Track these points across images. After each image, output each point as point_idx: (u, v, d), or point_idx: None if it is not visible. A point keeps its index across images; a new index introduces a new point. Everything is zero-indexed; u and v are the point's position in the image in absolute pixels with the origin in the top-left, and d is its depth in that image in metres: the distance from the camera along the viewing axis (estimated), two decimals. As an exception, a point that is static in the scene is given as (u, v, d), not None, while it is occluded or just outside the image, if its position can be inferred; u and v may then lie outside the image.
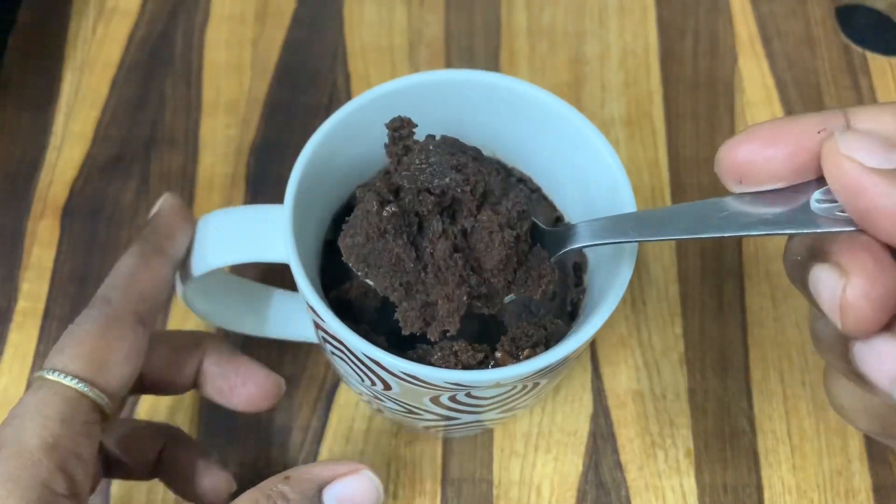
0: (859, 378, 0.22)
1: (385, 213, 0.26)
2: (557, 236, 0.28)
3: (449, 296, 0.27)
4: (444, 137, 0.29)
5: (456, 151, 0.28)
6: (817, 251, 0.22)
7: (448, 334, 0.27)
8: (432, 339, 0.28)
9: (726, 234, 0.24)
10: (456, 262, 0.26)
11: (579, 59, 0.47)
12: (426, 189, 0.27)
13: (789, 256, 0.25)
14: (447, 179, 0.27)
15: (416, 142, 0.29)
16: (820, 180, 0.23)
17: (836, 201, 0.22)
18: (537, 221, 0.29)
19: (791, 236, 0.24)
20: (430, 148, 0.28)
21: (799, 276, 0.24)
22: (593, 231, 0.27)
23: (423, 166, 0.27)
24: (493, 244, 0.27)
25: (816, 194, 0.23)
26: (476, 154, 0.29)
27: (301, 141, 0.31)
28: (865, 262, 0.20)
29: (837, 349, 0.23)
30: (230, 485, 0.33)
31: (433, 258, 0.27)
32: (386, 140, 0.29)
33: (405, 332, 0.28)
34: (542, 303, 0.33)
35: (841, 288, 0.21)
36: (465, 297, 0.27)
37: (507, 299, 0.28)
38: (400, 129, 0.29)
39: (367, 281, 0.28)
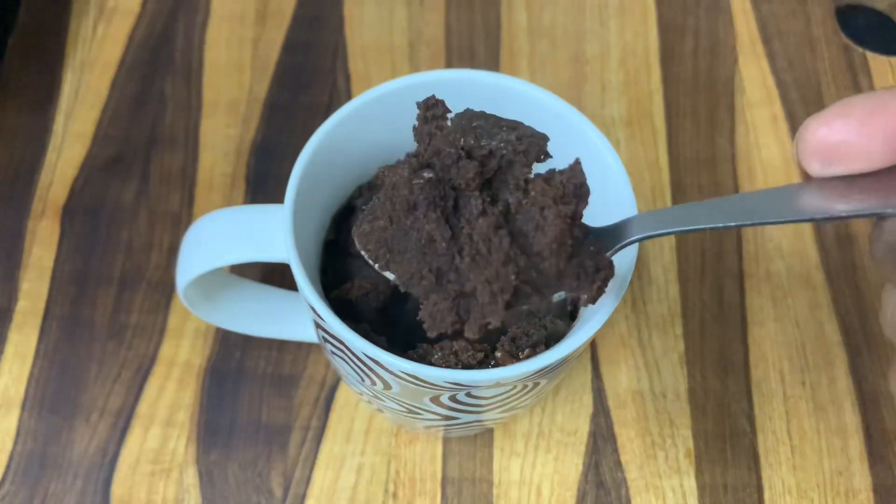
0: None
1: (418, 182, 0.22)
2: (614, 233, 0.25)
3: (491, 278, 0.22)
4: (481, 112, 0.25)
5: (501, 120, 0.24)
6: None
7: (490, 327, 0.23)
8: (471, 337, 0.23)
9: (810, 219, 0.21)
10: (501, 240, 0.22)
11: (579, 59, 0.47)
12: (467, 153, 0.22)
13: (883, 240, 0.21)
14: (495, 142, 0.23)
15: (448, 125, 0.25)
16: None
17: None
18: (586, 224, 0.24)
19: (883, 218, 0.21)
20: (471, 114, 0.24)
21: (892, 261, 0.21)
22: (655, 222, 0.24)
23: (465, 128, 0.23)
24: (545, 221, 0.22)
25: None
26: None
27: (301, 141, 0.31)
28: None
29: None
30: None
31: (471, 240, 0.22)
32: (415, 123, 0.25)
33: (432, 334, 0.23)
34: (594, 303, 0.27)
35: None
36: (512, 277, 0.22)
37: (556, 298, 0.24)
38: (434, 108, 0.24)
39: (387, 273, 0.24)
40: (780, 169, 0.44)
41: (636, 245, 0.29)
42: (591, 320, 0.28)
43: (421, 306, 0.23)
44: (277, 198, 0.30)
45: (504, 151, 0.23)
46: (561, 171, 0.23)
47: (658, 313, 0.41)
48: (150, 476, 0.37)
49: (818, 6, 0.49)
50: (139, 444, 0.37)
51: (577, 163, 0.24)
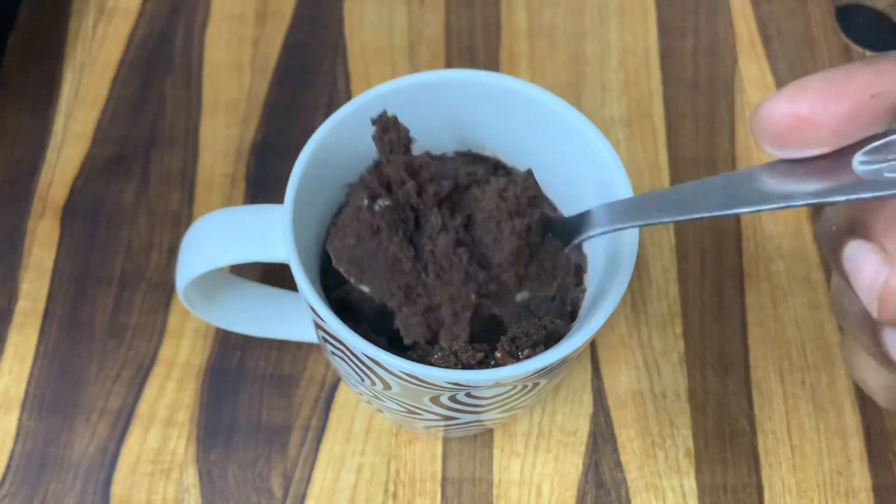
0: (886, 360, 0.20)
1: (377, 208, 0.24)
2: (571, 225, 0.26)
3: (454, 295, 0.24)
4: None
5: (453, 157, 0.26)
6: (858, 223, 0.20)
7: (459, 342, 0.25)
8: (445, 346, 0.25)
9: (765, 208, 0.20)
10: (460, 258, 0.24)
11: (579, 59, 0.47)
12: (423, 177, 0.24)
13: (823, 224, 0.21)
14: (447, 164, 0.24)
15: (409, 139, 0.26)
16: (862, 141, 0.20)
17: (883, 162, 0.19)
18: (548, 211, 0.26)
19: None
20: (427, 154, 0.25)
21: (831, 247, 0.21)
22: (612, 215, 0.24)
23: (420, 161, 0.24)
24: (501, 235, 0.24)
25: (859, 156, 0.20)
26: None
27: (301, 141, 0.31)
28: None
29: (865, 327, 0.20)
30: None
31: (434, 256, 0.24)
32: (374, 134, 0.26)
33: (407, 341, 0.25)
34: (561, 291, 0.29)
35: (884, 275, 0.18)
36: (472, 296, 0.24)
37: (519, 297, 0.26)
38: (387, 131, 0.26)
39: (362, 287, 0.25)
40: (780, 169, 0.44)
41: (635, 244, 0.29)
42: (591, 320, 0.28)
43: (396, 318, 0.25)
44: (277, 198, 0.30)
45: (455, 175, 0.24)
46: (515, 183, 0.24)
47: (658, 313, 0.41)
48: (150, 476, 0.37)
49: (818, 6, 0.49)
50: (139, 444, 0.37)
51: (530, 173, 0.25)
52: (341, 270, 0.25)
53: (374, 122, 0.26)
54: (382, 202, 0.24)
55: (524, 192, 0.24)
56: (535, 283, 0.25)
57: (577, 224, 0.25)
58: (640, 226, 0.24)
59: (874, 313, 0.19)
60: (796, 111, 0.19)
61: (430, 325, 0.25)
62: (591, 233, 0.25)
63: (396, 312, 0.25)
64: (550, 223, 0.26)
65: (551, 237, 0.25)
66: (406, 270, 0.24)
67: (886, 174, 0.19)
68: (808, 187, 0.20)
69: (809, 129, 0.20)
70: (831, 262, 0.21)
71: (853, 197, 0.19)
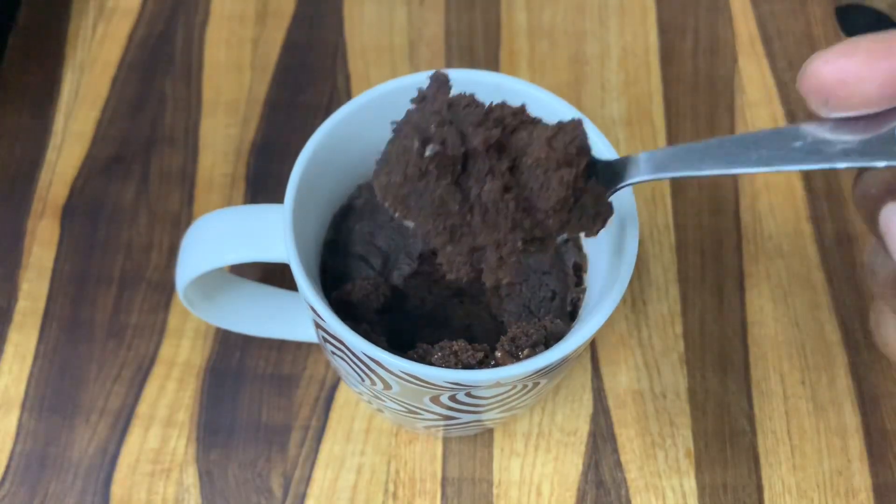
0: None
1: (428, 153, 0.23)
2: (615, 169, 0.25)
3: (500, 242, 0.24)
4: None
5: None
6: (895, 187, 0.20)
7: (505, 282, 0.25)
8: (488, 285, 0.25)
9: (805, 167, 0.20)
10: (507, 205, 0.24)
11: (579, 59, 0.47)
12: (474, 121, 0.24)
13: (862, 187, 0.22)
14: (494, 108, 0.24)
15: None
16: None
17: None
18: (593, 154, 0.25)
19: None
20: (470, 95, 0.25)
21: (869, 208, 0.21)
22: (657, 163, 0.24)
23: (465, 101, 0.24)
24: (549, 184, 0.24)
25: None
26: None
27: (301, 141, 0.31)
28: None
29: (895, 289, 0.21)
30: None
31: (480, 200, 0.24)
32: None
33: (450, 278, 0.25)
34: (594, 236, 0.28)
35: None
36: (518, 243, 0.24)
37: (559, 239, 0.25)
38: (444, 84, 0.25)
39: (406, 223, 0.25)
40: (780, 169, 0.44)
41: (635, 243, 0.29)
42: (591, 320, 0.28)
43: (439, 254, 0.25)
44: (277, 198, 0.30)
45: (505, 117, 0.24)
46: (564, 131, 0.24)
47: (658, 313, 0.41)
48: (150, 476, 0.37)
49: (818, 6, 0.49)
50: (139, 444, 0.37)
51: (580, 123, 0.25)
52: (386, 205, 0.25)
53: (432, 77, 0.26)
54: (433, 147, 0.23)
55: (573, 141, 0.24)
56: (578, 227, 0.25)
57: (621, 169, 0.25)
58: (685, 176, 0.24)
59: None
60: (845, 68, 0.20)
61: (474, 264, 0.25)
62: (636, 179, 0.25)
63: (440, 250, 0.25)
64: (594, 166, 0.25)
65: (595, 181, 0.25)
66: (452, 212, 0.24)
67: None
68: (851, 149, 0.20)
69: (857, 87, 0.20)
70: (868, 224, 0.21)
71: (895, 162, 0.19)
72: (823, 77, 0.20)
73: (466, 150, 0.24)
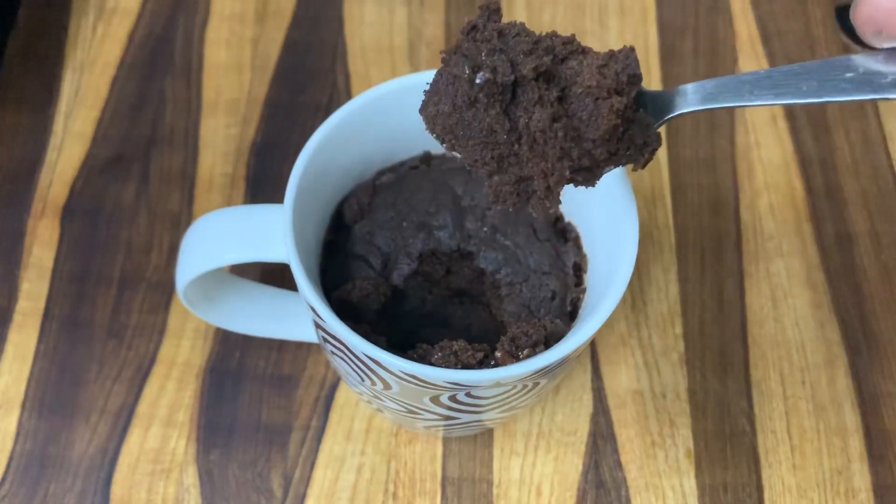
0: None
1: (478, 81, 0.23)
2: (662, 100, 0.25)
3: (547, 171, 0.24)
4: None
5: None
6: None
7: (551, 210, 0.25)
8: (535, 215, 0.26)
9: (856, 98, 0.20)
10: (556, 134, 0.24)
11: (579, 59, 0.47)
12: (524, 49, 0.24)
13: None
14: (543, 38, 0.24)
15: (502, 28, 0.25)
16: None
17: None
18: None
19: None
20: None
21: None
22: (705, 94, 0.24)
23: (515, 30, 0.24)
24: (599, 113, 0.23)
25: None
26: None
27: (301, 141, 0.31)
28: None
29: None
30: None
31: (528, 129, 0.24)
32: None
33: (497, 206, 0.26)
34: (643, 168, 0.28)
35: None
36: (567, 172, 0.24)
37: (606, 170, 0.26)
38: (495, 14, 0.25)
39: (454, 153, 0.25)
40: (780, 168, 0.44)
41: (635, 244, 0.29)
42: (591, 320, 0.28)
43: (486, 184, 0.25)
44: (277, 198, 0.30)
45: (553, 45, 0.24)
46: (615, 59, 0.24)
47: (658, 313, 0.41)
48: (150, 476, 0.37)
49: (818, 6, 0.49)
50: (139, 444, 0.37)
51: (632, 50, 0.24)
52: (434, 136, 0.25)
53: (482, 7, 0.25)
54: (483, 74, 0.23)
55: (625, 69, 0.24)
56: (625, 158, 0.25)
57: (669, 100, 0.25)
58: (735, 106, 0.24)
59: None
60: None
61: (520, 194, 0.25)
62: (684, 110, 0.25)
63: (486, 179, 0.25)
64: (642, 96, 0.25)
65: (643, 112, 0.25)
66: (500, 142, 0.24)
67: None
68: None
69: None
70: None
71: None
72: (878, 5, 0.20)
73: (516, 78, 0.24)
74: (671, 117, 0.25)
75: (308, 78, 0.46)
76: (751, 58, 0.47)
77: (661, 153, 0.44)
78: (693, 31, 0.48)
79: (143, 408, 0.38)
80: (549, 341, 0.31)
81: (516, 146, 0.24)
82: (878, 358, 0.40)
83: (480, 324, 0.35)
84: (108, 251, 0.41)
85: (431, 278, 0.35)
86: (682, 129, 0.45)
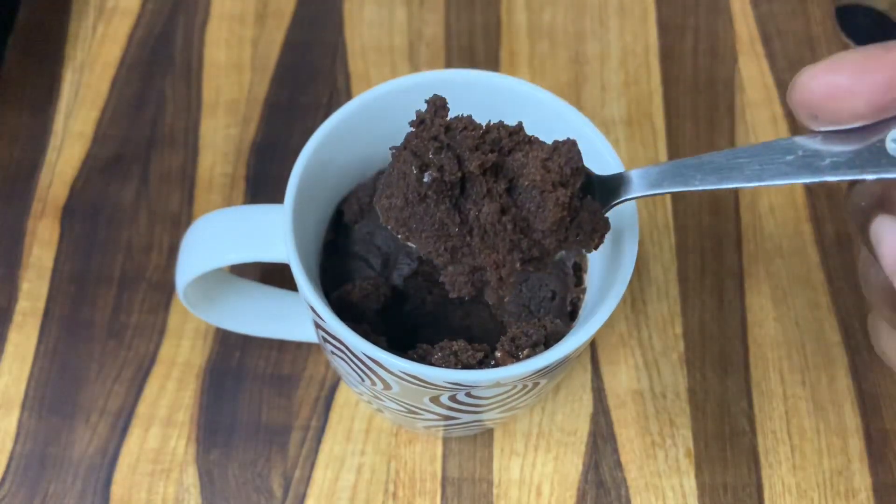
0: None
1: (426, 180, 0.24)
2: (610, 185, 0.26)
3: (499, 262, 0.25)
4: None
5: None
6: (886, 200, 0.20)
7: (505, 299, 0.26)
8: (490, 303, 0.26)
9: (797, 181, 0.21)
10: (505, 227, 0.24)
11: (579, 59, 0.47)
12: (470, 145, 0.24)
13: (854, 200, 0.22)
14: (490, 129, 0.25)
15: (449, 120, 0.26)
16: (894, 120, 0.20)
17: None
18: (588, 169, 0.26)
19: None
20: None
21: (860, 221, 0.22)
22: (651, 180, 0.25)
23: (462, 124, 0.25)
24: (545, 205, 0.24)
25: (893, 133, 0.20)
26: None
27: (301, 141, 0.31)
28: None
29: (888, 300, 0.21)
30: None
31: (479, 221, 0.25)
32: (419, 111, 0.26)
33: (453, 296, 0.26)
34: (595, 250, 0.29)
35: None
36: (517, 263, 0.25)
37: (557, 257, 0.26)
38: (441, 109, 0.26)
39: (409, 244, 0.26)
40: (780, 169, 0.44)
41: (635, 243, 0.29)
42: (591, 320, 0.28)
43: (442, 273, 0.26)
44: (277, 198, 0.30)
45: (499, 137, 0.25)
46: (559, 152, 0.25)
47: (658, 313, 0.41)
48: (150, 476, 0.37)
49: (818, 6, 0.49)
50: (139, 444, 0.37)
51: (574, 143, 0.25)
52: (389, 227, 0.26)
53: (428, 102, 0.26)
54: (431, 173, 0.24)
55: (568, 162, 0.24)
56: (575, 244, 0.26)
57: (616, 185, 0.26)
58: (679, 191, 0.24)
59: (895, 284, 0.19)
60: (834, 82, 0.20)
61: (475, 284, 0.26)
62: (630, 195, 0.25)
63: (442, 269, 0.26)
64: (589, 182, 0.26)
65: (591, 199, 0.25)
66: (452, 234, 0.25)
67: None
68: (840, 162, 0.20)
69: (846, 100, 0.20)
70: (860, 235, 0.22)
71: (884, 175, 0.20)
72: (812, 92, 0.20)
73: (464, 173, 0.24)
74: (617, 203, 0.26)
75: (308, 78, 0.46)
76: (751, 58, 0.47)
77: (661, 153, 0.44)
78: (693, 31, 0.48)
79: (143, 408, 0.38)
80: (549, 341, 0.31)
81: (468, 238, 0.25)
82: (878, 358, 0.40)
83: (480, 324, 0.35)
84: (108, 251, 0.41)
85: (431, 278, 0.35)
86: (682, 129, 0.45)
